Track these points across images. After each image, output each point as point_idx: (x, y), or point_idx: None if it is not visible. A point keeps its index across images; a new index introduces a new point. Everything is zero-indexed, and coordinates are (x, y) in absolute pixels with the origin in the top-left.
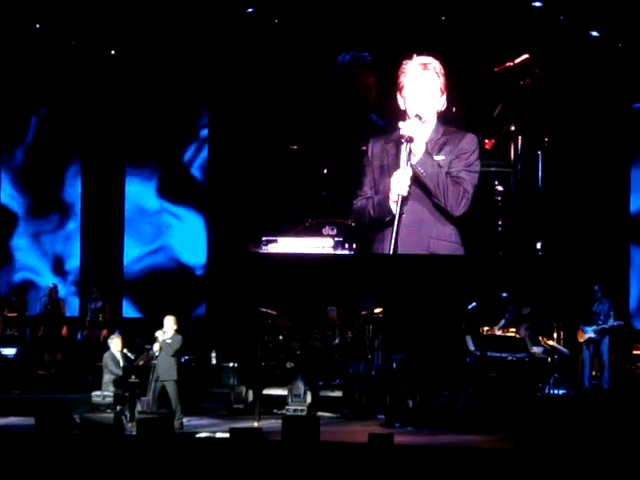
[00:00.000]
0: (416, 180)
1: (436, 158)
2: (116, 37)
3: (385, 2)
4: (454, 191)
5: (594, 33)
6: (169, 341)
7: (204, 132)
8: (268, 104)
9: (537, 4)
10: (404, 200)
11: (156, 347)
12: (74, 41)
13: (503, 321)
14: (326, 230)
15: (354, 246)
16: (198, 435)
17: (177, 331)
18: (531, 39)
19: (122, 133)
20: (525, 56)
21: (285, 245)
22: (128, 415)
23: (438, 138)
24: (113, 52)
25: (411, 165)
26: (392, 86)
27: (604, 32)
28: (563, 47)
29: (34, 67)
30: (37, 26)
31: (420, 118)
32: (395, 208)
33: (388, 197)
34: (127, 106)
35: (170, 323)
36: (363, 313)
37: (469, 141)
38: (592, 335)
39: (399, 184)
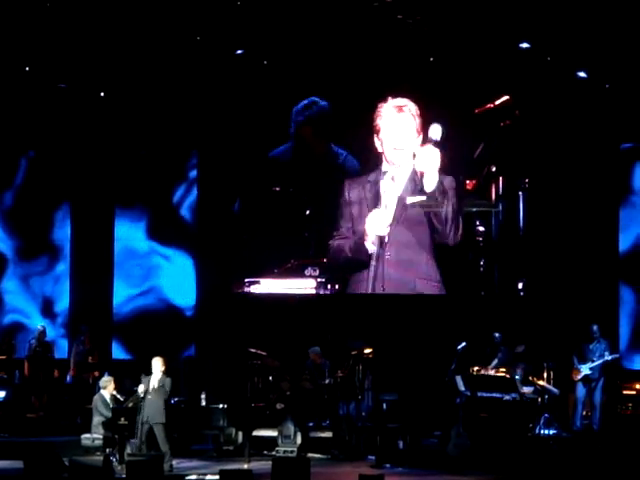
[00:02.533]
0: (401, 217)
1: (417, 198)
2: (105, 80)
3: (366, 44)
4: (453, 217)
5: (581, 74)
6: (160, 384)
7: (193, 173)
8: (256, 144)
9: (525, 45)
10: (386, 240)
11: (141, 388)
12: (63, 84)
13: (496, 361)
14: (308, 271)
15: (336, 287)
16: (188, 477)
17: (165, 373)
18: (511, 81)
19: (111, 175)
20: (505, 98)
21: (268, 286)
22: (117, 457)
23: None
24: (102, 94)
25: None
26: (367, 128)
27: (591, 73)
28: (544, 88)
29: (23, 109)
30: (26, 69)
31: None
32: (373, 248)
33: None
34: (116, 147)
35: (158, 365)
36: (353, 353)
37: (448, 183)
38: (588, 372)
39: (377, 224)
